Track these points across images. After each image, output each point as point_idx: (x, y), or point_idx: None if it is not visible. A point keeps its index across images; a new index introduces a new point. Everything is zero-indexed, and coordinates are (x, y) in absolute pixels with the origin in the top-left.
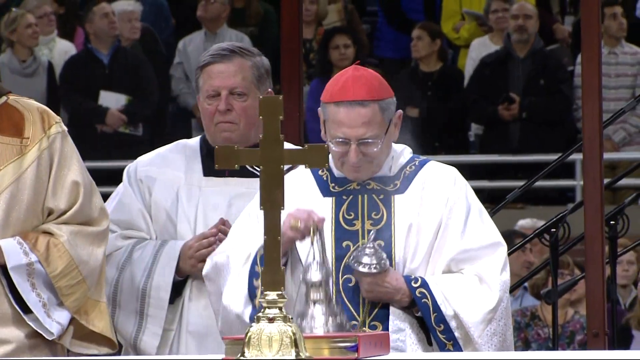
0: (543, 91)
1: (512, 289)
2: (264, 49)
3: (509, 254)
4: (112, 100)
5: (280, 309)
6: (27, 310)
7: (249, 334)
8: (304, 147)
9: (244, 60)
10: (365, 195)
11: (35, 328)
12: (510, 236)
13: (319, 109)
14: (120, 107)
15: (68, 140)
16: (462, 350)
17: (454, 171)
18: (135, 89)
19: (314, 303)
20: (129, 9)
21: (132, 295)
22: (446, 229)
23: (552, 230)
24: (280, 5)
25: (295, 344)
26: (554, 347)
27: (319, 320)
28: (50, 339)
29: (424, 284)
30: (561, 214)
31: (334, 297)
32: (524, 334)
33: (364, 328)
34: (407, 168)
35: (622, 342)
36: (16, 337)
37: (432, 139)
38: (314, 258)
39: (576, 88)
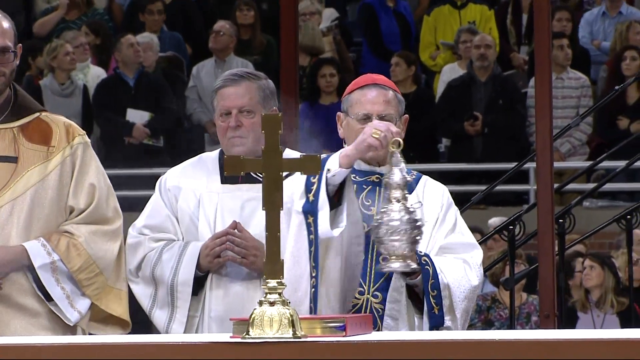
0: (502, 110)
1: None
2: (266, 74)
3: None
4: (137, 117)
5: (279, 294)
6: (50, 298)
7: (252, 316)
8: (300, 156)
9: (250, 83)
10: (382, 189)
11: (57, 314)
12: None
13: (339, 113)
14: (144, 122)
15: (89, 149)
16: (444, 317)
17: (445, 186)
18: (157, 107)
19: (393, 200)
20: (151, 40)
21: (164, 290)
22: (441, 224)
23: (510, 227)
24: (280, 38)
25: (292, 324)
26: (512, 327)
27: (395, 215)
28: (69, 324)
29: (427, 256)
30: (517, 214)
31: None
32: (484, 315)
33: (368, 295)
34: (409, 176)
35: (569, 322)
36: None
37: (408, 150)
38: (394, 164)
39: (529, 107)
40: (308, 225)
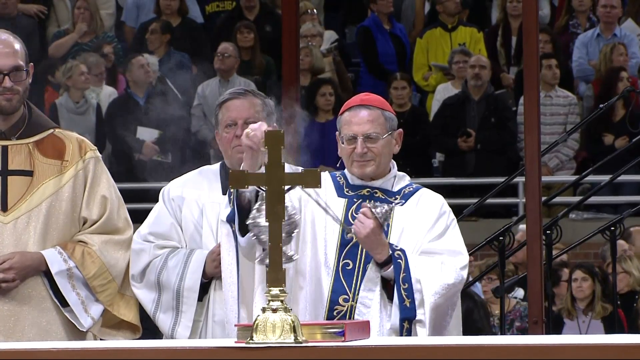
0: (493, 127)
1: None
2: (266, 94)
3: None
4: (147, 134)
5: (282, 301)
6: (65, 304)
7: (256, 322)
8: (301, 171)
9: (255, 98)
10: (372, 202)
11: (71, 319)
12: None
13: (337, 132)
14: (153, 139)
15: (100, 163)
16: (416, 310)
17: (443, 198)
18: (165, 125)
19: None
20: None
21: (169, 295)
22: (430, 230)
23: (500, 238)
24: (282, 58)
25: (294, 330)
26: (502, 333)
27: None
28: (82, 330)
29: (402, 250)
30: (507, 226)
31: (332, 276)
32: None
33: (353, 302)
34: (407, 188)
35: (556, 328)
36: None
37: (404, 165)
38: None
39: (519, 124)
40: (234, 232)
